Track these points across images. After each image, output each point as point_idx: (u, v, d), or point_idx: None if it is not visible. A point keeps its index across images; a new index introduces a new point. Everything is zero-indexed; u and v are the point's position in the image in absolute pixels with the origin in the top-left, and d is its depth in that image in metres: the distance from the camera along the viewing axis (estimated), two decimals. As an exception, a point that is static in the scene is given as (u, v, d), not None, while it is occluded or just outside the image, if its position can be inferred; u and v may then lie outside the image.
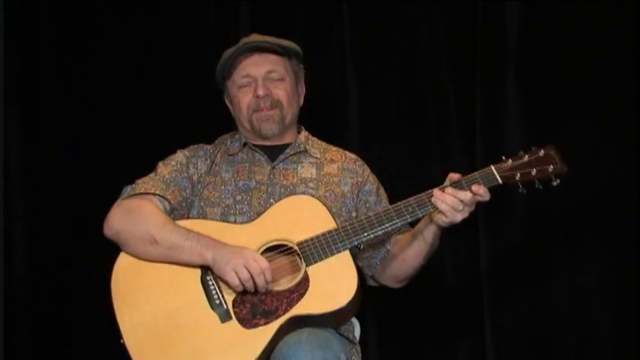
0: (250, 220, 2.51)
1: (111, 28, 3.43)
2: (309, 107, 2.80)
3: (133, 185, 2.58)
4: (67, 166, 3.43)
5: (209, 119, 3.16)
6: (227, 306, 2.38)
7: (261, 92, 2.63)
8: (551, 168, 2.40)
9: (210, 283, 2.41)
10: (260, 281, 2.35)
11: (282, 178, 2.63)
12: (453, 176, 2.43)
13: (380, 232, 2.44)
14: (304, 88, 2.78)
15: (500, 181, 2.41)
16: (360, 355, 2.60)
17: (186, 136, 2.79)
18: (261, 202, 2.57)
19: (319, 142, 2.79)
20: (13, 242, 3.40)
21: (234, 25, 3.38)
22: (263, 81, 2.65)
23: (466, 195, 2.38)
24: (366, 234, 2.43)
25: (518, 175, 2.40)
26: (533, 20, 3.09)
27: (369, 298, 3.09)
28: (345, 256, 2.41)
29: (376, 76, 3.31)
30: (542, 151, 2.42)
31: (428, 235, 2.50)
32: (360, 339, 2.63)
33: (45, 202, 3.42)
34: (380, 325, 3.27)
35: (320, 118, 2.85)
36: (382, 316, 3.25)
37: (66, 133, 3.44)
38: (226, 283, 2.38)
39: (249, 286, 2.35)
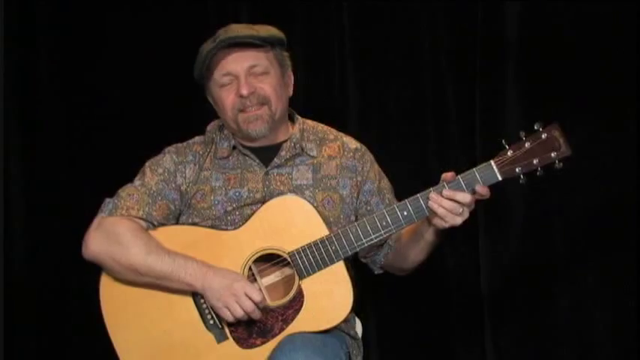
0: (240, 224, 2.41)
1: (110, 28, 3.43)
2: (309, 107, 2.79)
3: (115, 200, 2.45)
4: (67, 165, 3.44)
5: (209, 118, 3.15)
6: (222, 325, 2.35)
7: (244, 91, 2.44)
8: (553, 154, 2.24)
9: (202, 301, 2.36)
10: (255, 316, 2.30)
11: (279, 184, 2.48)
12: (447, 175, 2.29)
13: (375, 240, 2.34)
14: (292, 77, 2.58)
15: (499, 177, 2.26)
16: (362, 349, 2.55)
17: (185, 136, 2.78)
18: (253, 212, 2.42)
19: (315, 129, 2.61)
20: (13, 242, 3.40)
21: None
22: (246, 78, 2.45)
23: (465, 197, 2.24)
24: (359, 243, 2.33)
25: (519, 168, 2.25)
26: (533, 20, 3.08)
27: (370, 302, 3.13)
28: (339, 267, 2.33)
29: (376, 75, 3.30)
30: (545, 134, 2.25)
31: (429, 236, 2.40)
32: (361, 337, 2.62)
33: (45, 202, 3.42)
34: (380, 326, 3.26)
35: (320, 118, 2.83)
36: (383, 317, 3.26)
37: (66, 133, 3.44)
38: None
39: (244, 319, 2.31)
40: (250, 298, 2.29)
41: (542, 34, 3.08)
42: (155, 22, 3.41)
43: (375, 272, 2.63)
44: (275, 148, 2.54)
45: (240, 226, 2.40)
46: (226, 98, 2.49)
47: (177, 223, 2.50)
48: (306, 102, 2.75)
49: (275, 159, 2.52)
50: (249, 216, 2.40)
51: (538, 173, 2.26)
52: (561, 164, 2.25)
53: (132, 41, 3.41)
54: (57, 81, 3.45)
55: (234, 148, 2.55)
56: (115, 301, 2.40)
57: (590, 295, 3.04)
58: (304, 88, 2.70)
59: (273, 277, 2.39)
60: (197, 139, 2.62)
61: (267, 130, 2.50)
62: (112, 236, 2.38)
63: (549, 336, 3.09)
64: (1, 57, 3.36)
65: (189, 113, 3.33)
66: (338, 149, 2.58)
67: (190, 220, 2.48)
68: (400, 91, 3.27)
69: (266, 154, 2.52)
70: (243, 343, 2.33)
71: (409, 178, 3.18)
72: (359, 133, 3.23)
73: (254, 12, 3.36)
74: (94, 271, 2.50)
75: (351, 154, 2.58)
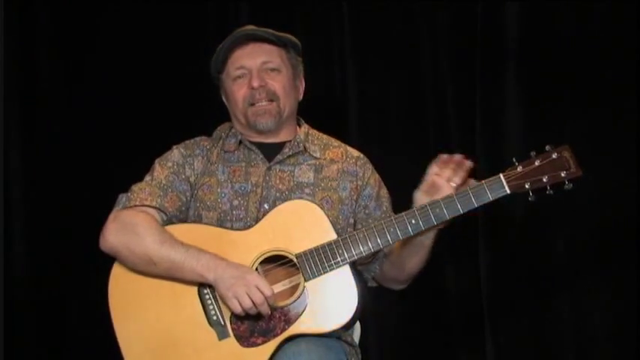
0: (249, 225, 2.44)
1: (110, 27, 3.43)
2: (309, 107, 2.79)
3: (129, 194, 2.50)
4: (67, 165, 3.44)
5: (209, 119, 3.15)
6: (225, 322, 2.36)
7: (255, 83, 2.52)
8: (563, 173, 2.25)
9: (208, 297, 2.37)
10: (263, 310, 2.31)
11: (277, 182, 2.53)
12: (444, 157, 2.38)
13: (382, 246, 2.36)
14: (303, 83, 2.67)
15: (508, 191, 2.27)
16: (360, 357, 2.56)
17: (186, 136, 2.78)
18: (257, 206, 2.49)
19: (320, 136, 2.67)
20: (13, 242, 3.40)
21: (234, 24, 3.37)
22: (258, 72, 2.54)
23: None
24: (366, 248, 2.35)
25: (528, 183, 2.26)
26: (533, 20, 3.09)
27: (371, 307, 3.13)
28: (345, 271, 2.35)
29: (376, 75, 3.30)
30: (556, 154, 2.26)
31: (427, 241, 2.43)
32: (360, 342, 2.61)
33: (45, 202, 3.42)
34: (381, 332, 3.27)
35: (320, 118, 2.83)
36: (383, 322, 3.26)
37: (66, 133, 3.44)
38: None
39: (252, 312, 2.32)
40: (261, 292, 2.30)
41: (542, 34, 3.08)
42: (156, 21, 3.42)
43: (368, 284, 2.63)
44: (279, 146, 2.59)
45: (248, 224, 2.45)
46: (238, 91, 2.57)
47: (186, 219, 2.54)
48: (307, 102, 2.74)
49: (278, 155, 2.57)
50: (255, 214, 2.46)
51: (547, 192, 2.27)
52: (571, 185, 2.26)
53: (132, 41, 3.41)
54: (57, 81, 3.45)
55: (240, 142, 2.60)
56: (123, 294, 2.43)
57: (590, 298, 3.04)
58: (304, 88, 2.71)
59: (280, 286, 2.40)
60: (204, 137, 2.68)
61: (274, 125, 2.56)
62: (129, 227, 2.43)
63: (549, 339, 3.09)
64: (1, 57, 3.36)
65: (191, 111, 3.34)
66: (341, 155, 2.63)
67: (197, 213, 2.52)
68: (400, 91, 3.28)
69: (270, 151, 2.58)
70: (245, 341, 2.33)
71: (409, 177, 3.18)
72: (359, 133, 3.25)
73: (254, 12, 3.37)
74: (93, 271, 2.51)
75: (353, 160, 2.63)
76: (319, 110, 2.92)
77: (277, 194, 2.50)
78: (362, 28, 3.29)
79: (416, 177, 3.18)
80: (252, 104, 2.55)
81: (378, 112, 3.30)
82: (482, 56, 3.14)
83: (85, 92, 3.44)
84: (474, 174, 3.08)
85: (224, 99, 2.68)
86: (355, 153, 2.66)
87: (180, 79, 3.36)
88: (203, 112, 3.23)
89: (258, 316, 2.33)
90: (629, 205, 2.98)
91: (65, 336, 3.43)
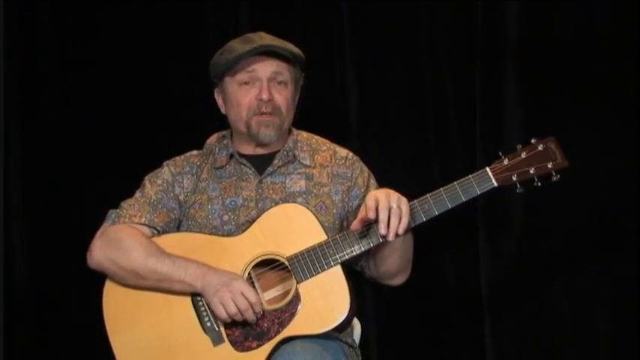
0: (240, 231, 2.45)
1: (110, 28, 3.43)
2: (309, 107, 2.79)
3: (118, 210, 2.52)
4: (67, 165, 3.44)
5: (208, 120, 3.15)
6: (219, 328, 2.37)
7: (265, 96, 2.50)
8: (550, 164, 2.28)
9: (201, 304, 2.39)
10: (248, 316, 2.33)
11: (271, 192, 2.53)
12: None
13: (373, 245, 2.36)
14: (299, 94, 2.66)
15: (495, 183, 2.30)
16: (360, 357, 2.56)
17: (185, 137, 2.78)
18: (249, 220, 2.47)
19: (309, 140, 2.66)
20: (12, 242, 3.41)
21: (234, 24, 3.37)
22: (268, 83, 2.52)
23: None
24: (357, 247, 2.36)
25: (515, 175, 2.28)
26: (533, 20, 3.09)
27: (371, 304, 3.13)
28: (336, 271, 2.35)
29: (376, 75, 3.30)
30: (541, 146, 2.30)
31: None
32: (360, 342, 2.61)
33: (44, 203, 3.42)
34: (380, 328, 3.27)
35: (320, 118, 2.83)
36: (383, 319, 3.26)
37: (66, 133, 3.44)
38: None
39: (238, 318, 2.34)
40: (246, 298, 2.32)
41: (542, 34, 3.08)
42: (155, 22, 3.41)
43: (366, 276, 2.61)
44: (270, 157, 2.59)
45: (240, 233, 2.45)
46: (244, 97, 2.54)
47: (178, 231, 2.55)
48: (307, 103, 2.74)
49: (268, 167, 2.57)
50: (246, 224, 2.46)
51: (535, 184, 2.30)
52: (558, 176, 2.29)
53: (132, 41, 3.41)
54: (57, 82, 3.45)
55: (231, 156, 2.60)
56: (116, 306, 2.44)
57: (590, 295, 3.04)
58: (304, 89, 2.71)
59: (274, 292, 2.42)
60: (195, 152, 2.67)
61: (276, 138, 2.56)
62: (114, 242, 2.45)
63: (550, 333, 3.09)
64: (1, 57, 3.36)
65: (191, 112, 3.34)
66: (330, 158, 2.62)
67: (189, 231, 2.53)
68: (400, 91, 3.28)
69: (261, 163, 2.58)
70: (239, 346, 2.35)
71: (409, 178, 3.19)
72: (359, 133, 3.25)
73: (253, 12, 3.36)
74: (93, 274, 2.51)
75: (343, 161, 2.62)
76: (319, 111, 2.92)
77: (273, 205, 2.49)
78: (361, 28, 3.29)
79: (415, 177, 3.21)
80: (257, 114, 2.53)
81: (377, 112, 3.30)
82: (482, 56, 3.14)
83: (84, 93, 3.44)
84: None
85: (219, 99, 2.65)
86: (343, 152, 2.65)
87: (179, 79, 3.36)
88: (202, 113, 3.23)
89: (246, 322, 2.35)
90: (629, 203, 2.99)
91: (65, 336, 3.43)
